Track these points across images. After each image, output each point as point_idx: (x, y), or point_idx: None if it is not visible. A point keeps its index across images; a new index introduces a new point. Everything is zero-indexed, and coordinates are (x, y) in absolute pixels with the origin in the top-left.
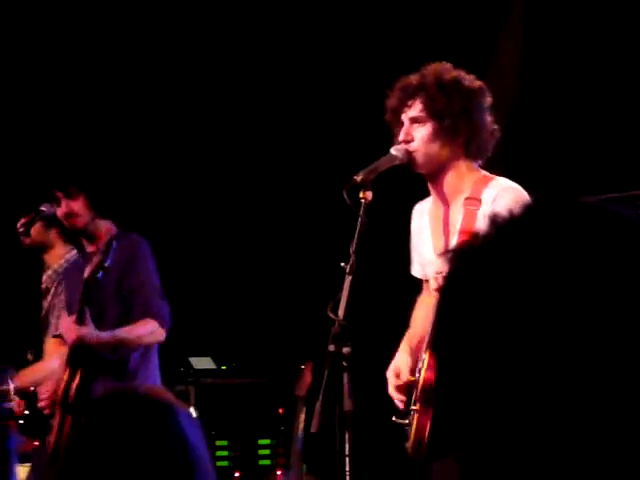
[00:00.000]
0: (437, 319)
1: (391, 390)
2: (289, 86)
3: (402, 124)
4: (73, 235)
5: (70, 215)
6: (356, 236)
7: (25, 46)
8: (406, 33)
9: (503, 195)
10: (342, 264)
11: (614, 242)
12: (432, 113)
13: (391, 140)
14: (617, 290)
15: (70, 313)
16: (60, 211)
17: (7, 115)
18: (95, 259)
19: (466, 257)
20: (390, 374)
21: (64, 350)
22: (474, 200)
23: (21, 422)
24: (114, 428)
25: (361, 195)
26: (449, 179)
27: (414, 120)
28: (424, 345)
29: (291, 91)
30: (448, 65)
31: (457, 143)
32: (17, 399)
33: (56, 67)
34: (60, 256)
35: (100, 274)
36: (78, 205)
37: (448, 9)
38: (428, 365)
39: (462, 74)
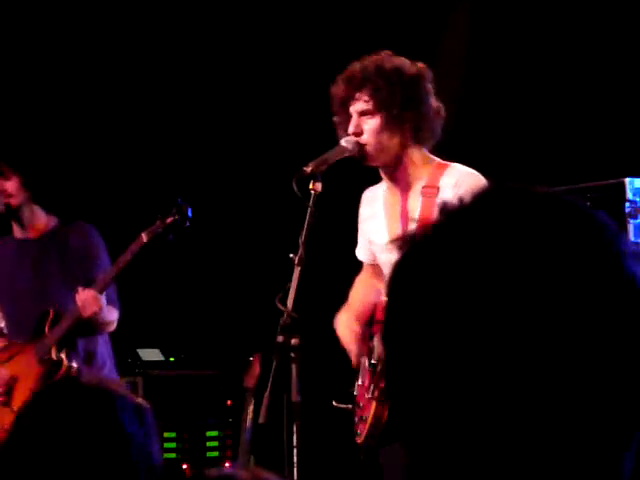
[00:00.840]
0: (387, 307)
1: (353, 351)
2: (237, 79)
3: (350, 116)
4: (4, 230)
5: (4, 193)
6: (305, 227)
7: None
8: (354, 22)
9: (464, 181)
10: (291, 255)
11: (564, 230)
12: (379, 105)
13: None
14: (565, 279)
15: (18, 303)
16: None
17: None
18: (162, 222)
19: (415, 245)
20: (350, 339)
21: None
22: (431, 188)
23: None
24: (50, 417)
25: (311, 186)
26: (403, 168)
27: (362, 113)
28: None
29: (238, 83)
30: (388, 53)
31: (406, 131)
32: None
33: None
34: None
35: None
36: (12, 185)
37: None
38: None
39: (403, 61)
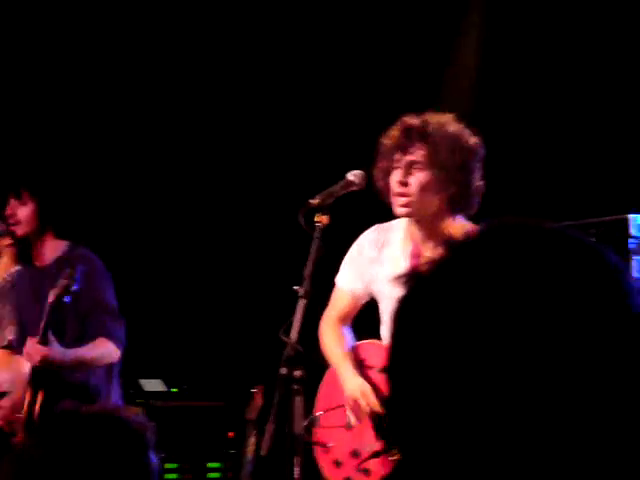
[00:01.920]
0: (391, 343)
1: (372, 404)
2: (246, 105)
3: (392, 164)
4: (24, 251)
5: (12, 218)
6: (310, 260)
7: None
8: (366, 39)
9: None
10: (296, 288)
11: (571, 266)
12: (434, 162)
13: (346, 165)
14: (570, 316)
15: (22, 331)
16: (5, 213)
17: None
18: (62, 282)
19: (420, 280)
20: (360, 397)
21: (16, 362)
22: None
23: None
24: (89, 453)
25: (317, 219)
26: (432, 226)
27: (414, 164)
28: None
29: (248, 111)
30: (450, 116)
31: (449, 195)
32: None
33: (29, 67)
34: (4, 269)
35: (67, 298)
36: (25, 212)
37: (408, 12)
38: None
39: (463, 128)
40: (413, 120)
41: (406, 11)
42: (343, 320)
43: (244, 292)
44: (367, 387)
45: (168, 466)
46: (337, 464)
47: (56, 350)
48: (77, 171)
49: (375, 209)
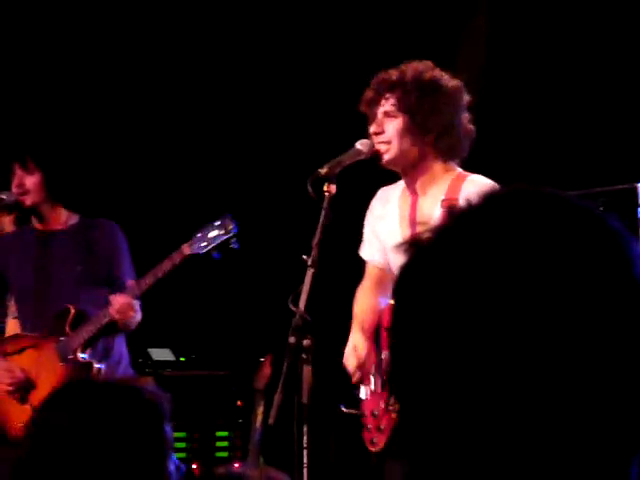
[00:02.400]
0: (393, 311)
1: (351, 366)
2: (255, 77)
3: (375, 117)
4: (25, 221)
5: (20, 188)
6: (319, 229)
7: None
8: (374, 28)
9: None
10: (304, 257)
11: (574, 233)
12: (404, 108)
13: (358, 132)
14: (574, 283)
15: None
16: (13, 183)
17: None
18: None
19: (421, 248)
20: (349, 351)
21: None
22: (452, 200)
23: None
24: (76, 416)
25: (325, 188)
26: (423, 174)
27: (387, 114)
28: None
29: (257, 82)
30: (428, 63)
31: (427, 140)
32: None
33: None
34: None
35: (217, 255)
36: (32, 181)
37: (414, 7)
38: None
39: (440, 72)
40: (384, 73)
41: (413, 11)
42: (377, 287)
43: (252, 261)
44: (359, 339)
45: (177, 435)
46: (367, 429)
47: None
48: (84, 143)
49: (383, 177)
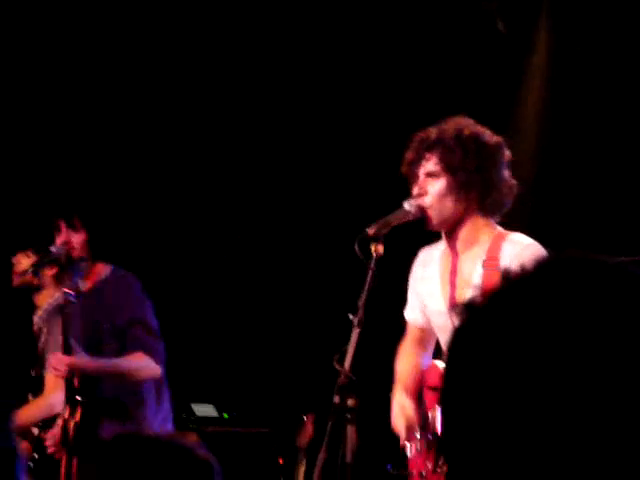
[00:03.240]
0: (445, 373)
1: (401, 426)
2: (306, 135)
3: (417, 177)
4: (65, 278)
5: (67, 245)
6: (365, 289)
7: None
8: (429, 85)
9: (524, 252)
10: (350, 316)
11: (628, 301)
12: (447, 167)
13: (405, 193)
14: (627, 352)
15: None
16: (59, 239)
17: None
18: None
19: (476, 311)
20: (397, 411)
21: (63, 384)
22: (492, 260)
23: (30, 465)
24: (119, 473)
25: (372, 248)
26: (464, 233)
27: (429, 174)
28: (427, 398)
29: (309, 140)
30: (469, 120)
31: (471, 198)
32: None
33: (73, 96)
34: (50, 296)
35: (72, 295)
36: (77, 239)
37: (471, 61)
38: None
39: (481, 129)
40: (424, 132)
41: (473, 51)
42: (419, 347)
43: (299, 319)
44: (405, 401)
45: None
46: None
47: (83, 358)
48: (121, 198)
49: (430, 237)
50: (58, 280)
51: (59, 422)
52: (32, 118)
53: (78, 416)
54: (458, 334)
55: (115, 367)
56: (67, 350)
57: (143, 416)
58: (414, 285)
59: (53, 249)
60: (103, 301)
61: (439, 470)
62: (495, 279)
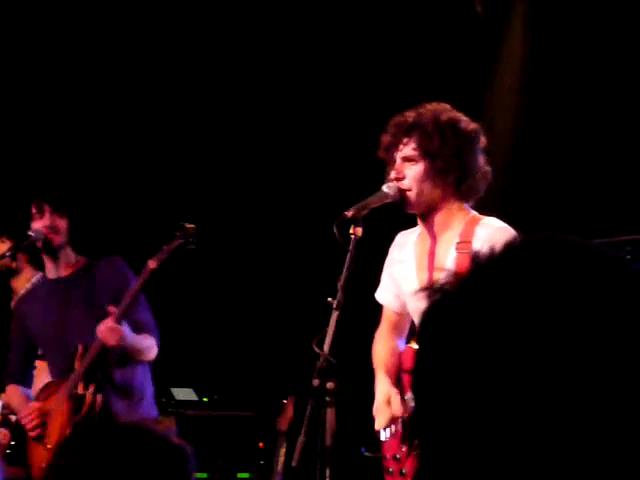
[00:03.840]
0: (416, 355)
1: (383, 420)
2: (283, 116)
3: (395, 161)
4: (40, 261)
5: (53, 229)
6: (345, 271)
7: (23, 58)
8: (405, 68)
9: (495, 234)
10: (329, 299)
11: (596, 281)
12: (425, 153)
13: (383, 176)
14: (595, 332)
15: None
16: (42, 223)
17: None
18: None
19: (446, 293)
20: (381, 403)
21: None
22: (465, 243)
23: (8, 452)
24: (93, 459)
25: (351, 231)
26: (439, 217)
27: (406, 159)
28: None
29: (284, 122)
30: (446, 105)
31: (448, 183)
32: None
33: (59, 79)
34: (27, 280)
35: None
36: (63, 224)
37: (447, 43)
38: None
39: (459, 115)
40: (401, 116)
41: (449, 31)
42: (395, 331)
43: (277, 303)
44: (392, 391)
45: (198, 476)
46: (389, 472)
47: (127, 330)
48: (103, 186)
49: (410, 220)
50: (34, 264)
51: (72, 398)
52: (18, 103)
53: (90, 395)
54: (428, 316)
55: (139, 345)
56: (119, 319)
57: (143, 398)
58: (390, 267)
59: (31, 233)
60: (88, 286)
61: (414, 453)
62: (467, 262)
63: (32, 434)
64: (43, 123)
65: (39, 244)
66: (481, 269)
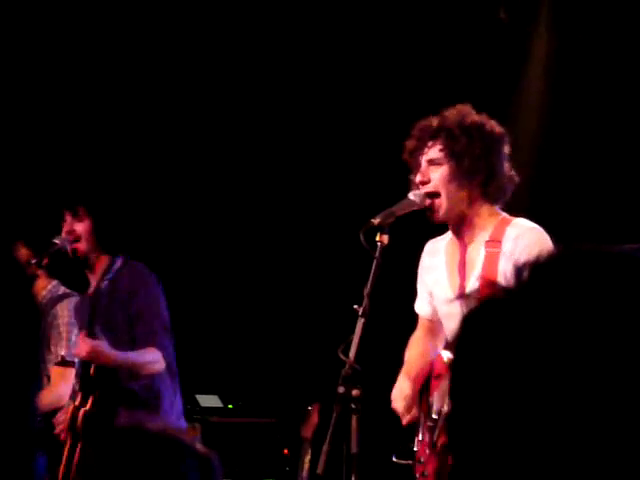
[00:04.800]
0: (453, 362)
1: (400, 407)
2: (308, 126)
3: (419, 166)
4: (57, 271)
5: (72, 234)
6: (371, 279)
7: (39, 63)
8: (430, 73)
9: (525, 234)
10: (355, 306)
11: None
12: (451, 154)
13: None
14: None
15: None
16: (64, 230)
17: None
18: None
19: (487, 302)
20: (396, 393)
21: (70, 374)
22: (495, 242)
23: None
24: (118, 464)
25: (378, 238)
26: (469, 221)
27: (432, 162)
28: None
29: (311, 131)
30: (470, 108)
31: (475, 184)
32: None
33: (74, 85)
34: (43, 288)
35: (104, 284)
36: (82, 227)
37: (472, 49)
38: None
39: (484, 118)
40: (425, 120)
41: (474, 38)
42: (428, 336)
43: (303, 310)
44: (405, 391)
45: None
46: (422, 474)
47: (105, 345)
48: (128, 187)
49: (437, 228)
50: (50, 271)
51: (70, 409)
52: (32, 109)
53: (90, 404)
54: (468, 322)
55: (129, 360)
56: (91, 332)
57: (160, 408)
58: (422, 276)
59: (56, 240)
60: (117, 291)
61: (430, 450)
62: (496, 261)
63: (62, 437)
64: (55, 127)
65: (67, 251)
66: (524, 281)
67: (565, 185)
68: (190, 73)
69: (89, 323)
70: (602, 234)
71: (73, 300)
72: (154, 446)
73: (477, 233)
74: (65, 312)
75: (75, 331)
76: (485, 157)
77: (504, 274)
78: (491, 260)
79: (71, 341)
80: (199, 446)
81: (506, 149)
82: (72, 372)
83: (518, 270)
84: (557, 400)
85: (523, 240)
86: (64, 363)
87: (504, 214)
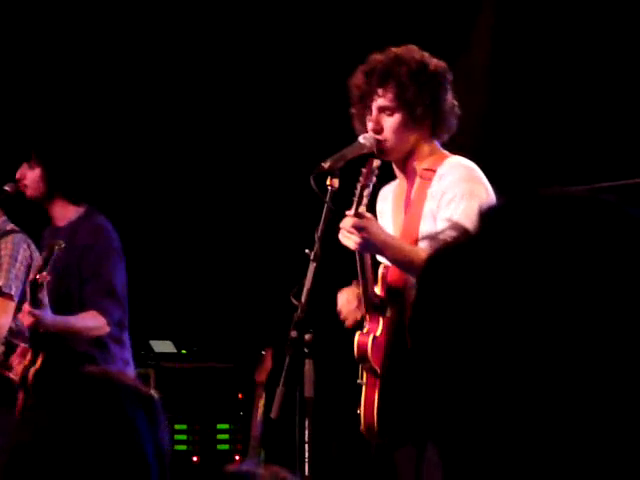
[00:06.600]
0: (414, 302)
1: (341, 305)
2: (257, 73)
3: (368, 110)
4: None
5: (21, 181)
6: (322, 223)
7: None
8: (378, 21)
9: (450, 172)
10: (307, 251)
11: (603, 231)
12: (403, 103)
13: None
14: (604, 283)
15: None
16: (17, 175)
17: None
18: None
19: (449, 243)
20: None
21: (7, 306)
22: (430, 172)
23: None
24: (56, 407)
25: (328, 182)
26: (413, 160)
27: (383, 109)
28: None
29: (259, 78)
30: (414, 48)
31: (424, 128)
32: None
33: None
34: None
35: (62, 232)
36: (32, 175)
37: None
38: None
39: (427, 57)
40: (375, 61)
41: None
42: None
43: (255, 254)
44: (349, 296)
45: (177, 427)
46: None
47: (46, 315)
48: (87, 136)
49: (387, 171)
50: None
51: (21, 366)
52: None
53: (39, 364)
54: (431, 264)
55: (71, 327)
56: (35, 303)
57: (115, 361)
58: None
59: (7, 188)
60: (74, 242)
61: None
62: (425, 191)
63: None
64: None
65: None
66: (485, 223)
67: (515, 130)
68: (173, 72)
69: (44, 265)
70: (552, 179)
71: (19, 236)
72: (95, 388)
73: (419, 169)
74: (9, 245)
75: (17, 266)
76: (434, 102)
77: (430, 212)
78: (421, 188)
79: (11, 274)
80: (141, 386)
81: (449, 83)
82: (10, 305)
83: (480, 212)
84: (518, 343)
85: (448, 177)
86: (1, 294)
87: (443, 150)
